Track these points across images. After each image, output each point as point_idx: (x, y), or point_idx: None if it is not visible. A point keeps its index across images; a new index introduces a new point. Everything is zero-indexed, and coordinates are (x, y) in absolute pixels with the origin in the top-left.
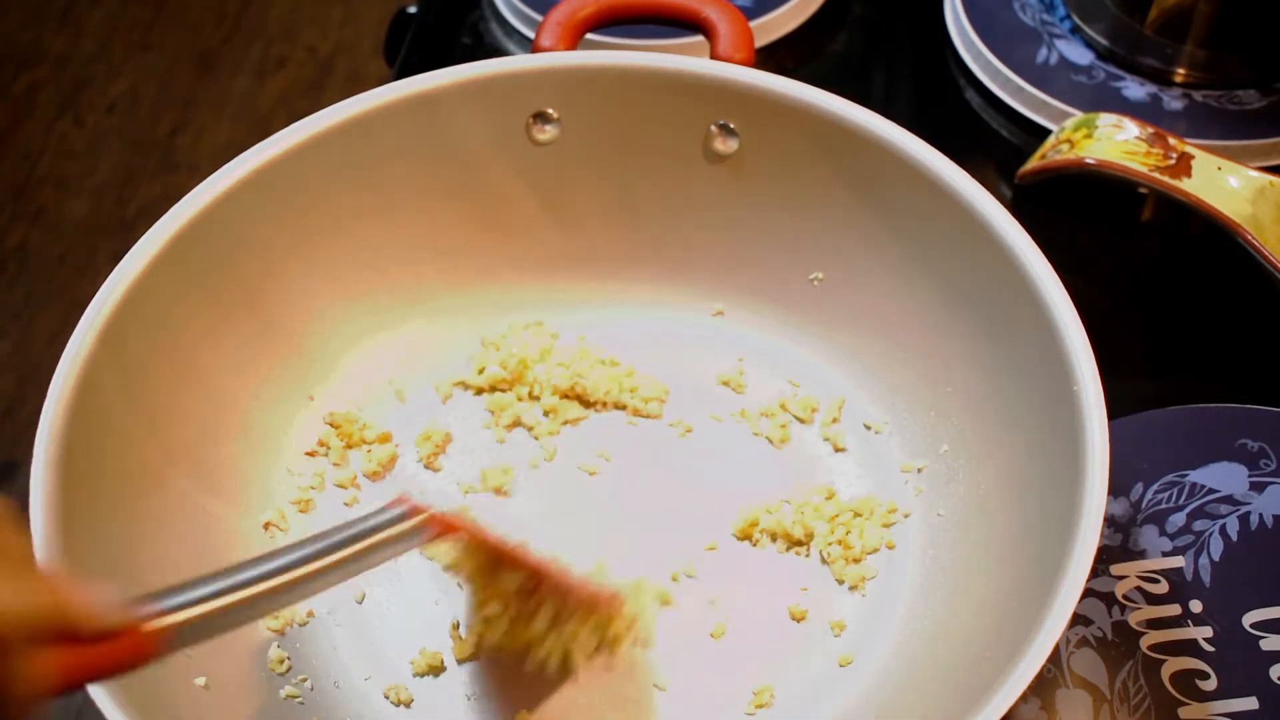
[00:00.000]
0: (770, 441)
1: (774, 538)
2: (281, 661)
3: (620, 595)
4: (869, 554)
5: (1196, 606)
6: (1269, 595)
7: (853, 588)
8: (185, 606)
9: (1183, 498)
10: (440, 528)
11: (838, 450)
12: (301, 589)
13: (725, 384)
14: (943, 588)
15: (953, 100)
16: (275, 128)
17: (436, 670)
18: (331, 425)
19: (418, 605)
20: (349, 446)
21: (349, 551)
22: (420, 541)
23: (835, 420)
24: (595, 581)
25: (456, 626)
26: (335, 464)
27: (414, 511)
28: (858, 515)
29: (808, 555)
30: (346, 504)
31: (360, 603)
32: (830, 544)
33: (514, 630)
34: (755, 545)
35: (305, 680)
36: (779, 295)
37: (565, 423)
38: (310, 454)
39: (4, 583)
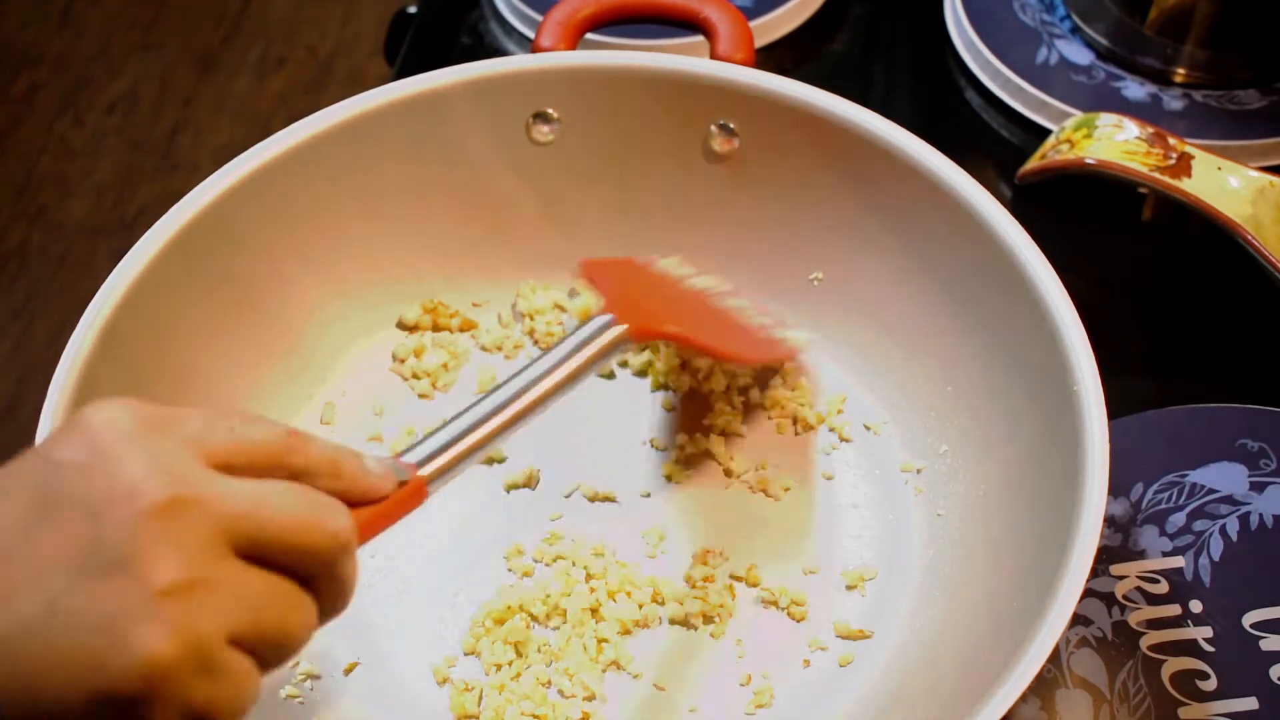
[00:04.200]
0: (769, 442)
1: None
2: (294, 665)
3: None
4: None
5: (1196, 606)
6: (1269, 595)
7: (851, 587)
8: (438, 453)
9: (1183, 498)
10: (641, 334)
11: (837, 450)
12: (528, 414)
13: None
14: (943, 588)
15: (953, 100)
16: (275, 128)
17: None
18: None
19: (422, 612)
20: None
21: (565, 372)
22: (626, 348)
23: (835, 420)
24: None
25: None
26: None
27: (615, 321)
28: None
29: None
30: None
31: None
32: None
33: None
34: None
35: (306, 680)
36: (779, 295)
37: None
38: None
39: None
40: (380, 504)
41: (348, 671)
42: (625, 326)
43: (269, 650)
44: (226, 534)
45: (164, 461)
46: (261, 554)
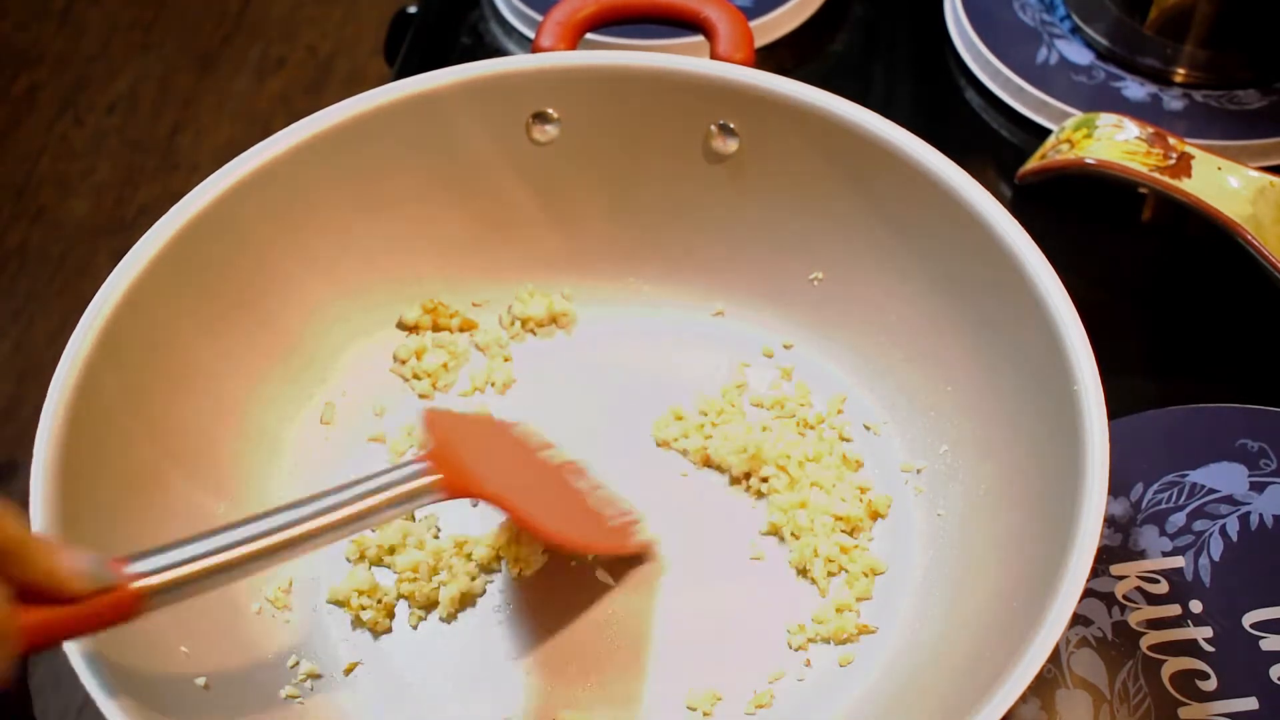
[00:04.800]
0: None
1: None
2: (295, 665)
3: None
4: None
5: (1196, 606)
6: (1269, 595)
7: (848, 585)
8: (168, 567)
9: (1183, 498)
10: (455, 489)
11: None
12: (290, 550)
13: (725, 384)
14: (943, 588)
15: (953, 100)
16: (275, 128)
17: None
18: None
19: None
20: None
21: (351, 510)
22: (430, 500)
23: (835, 419)
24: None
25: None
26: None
27: (429, 470)
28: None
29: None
30: None
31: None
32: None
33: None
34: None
35: (306, 680)
36: (779, 295)
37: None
38: None
39: None
40: (72, 605)
41: (348, 671)
42: (437, 477)
43: None
44: None
45: None
46: None
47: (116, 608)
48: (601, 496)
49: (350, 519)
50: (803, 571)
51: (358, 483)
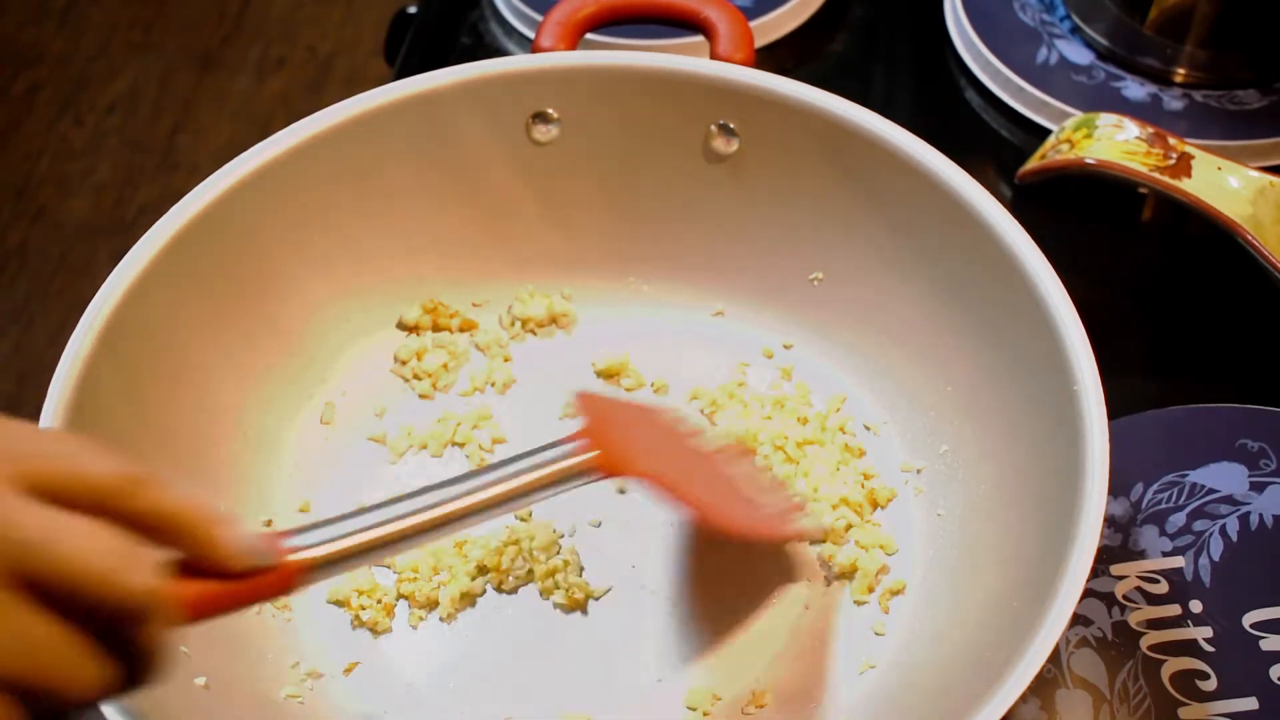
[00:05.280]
0: (769, 442)
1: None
2: (295, 665)
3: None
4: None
5: (1196, 606)
6: (1269, 595)
7: (850, 587)
8: (325, 543)
9: (1183, 498)
10: (613, 468)
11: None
12: (442, 528)
13: (725, 384)
14: (943, 588)
15: (953, 100)
16: (275, 128)
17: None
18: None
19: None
20: None
21: (506, 488)
22: (587, 480)
23: (835, 419)
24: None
25: None
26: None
27: (585, 448)
28: (855, 512)
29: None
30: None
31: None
32: (833, 548)
33: None
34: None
35: (306, 680)
36: (779, 295)
37: (564, 417)
38: None
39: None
40: (230, 581)
41: (348, 672)
42: (595, 454)
43: (37, 700)
44: (11, 564)
45: None
46: (51, 595)
47: (275, 583)
48: (759, 482)
49: (504, 497)
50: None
51: (514, 460)
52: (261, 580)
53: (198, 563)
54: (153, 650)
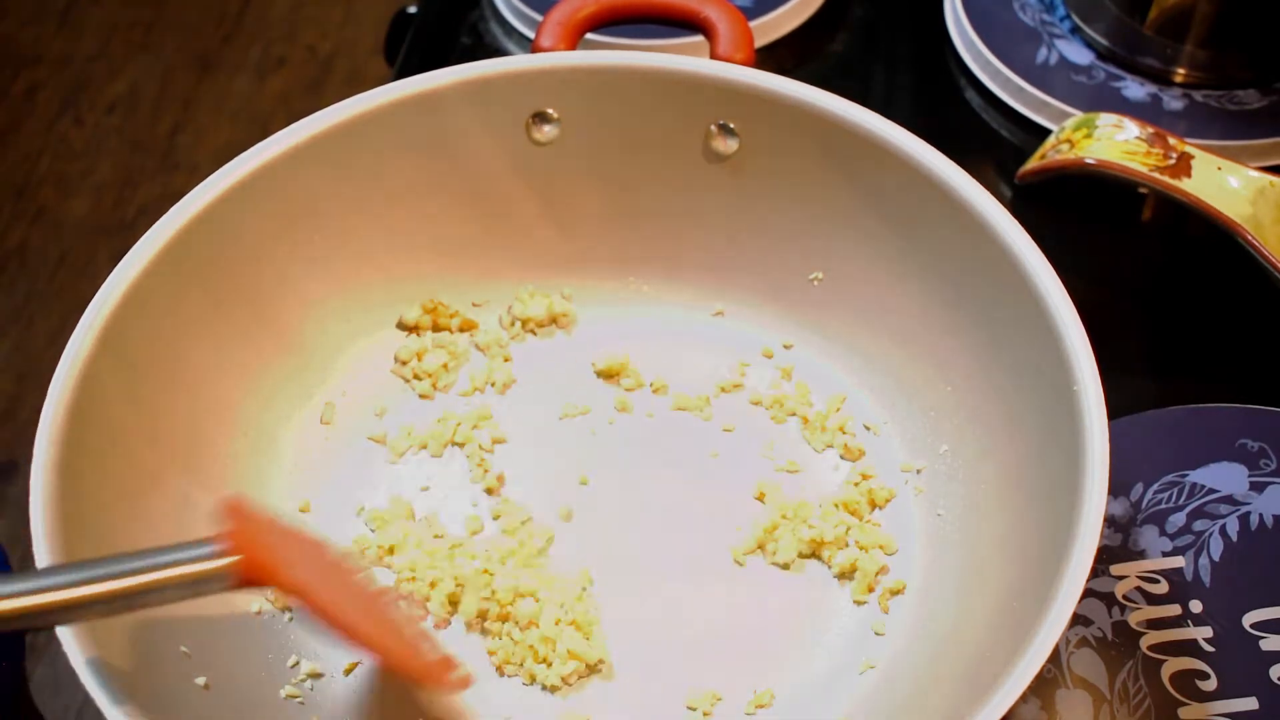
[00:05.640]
0: (769, 442)
1: (775, 543)
2: (295, 665)
3: (451, 663)
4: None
5: (1196, 606)
6: (1269, 595)
7: (850, 587)
8: None
9: (1183, 498)
10: (249, 576)
11: (831, 448)
12: (43, 619)
13: (725, 384)
14: (943, 588)
15: (953, 100)
16: (275, 128)
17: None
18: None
19: None
20: None
21: (115, 586)
22: (217, 588)
23: (835, 419)
24: (421, 653)
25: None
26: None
27: (225, 552)
28: (853, 514)
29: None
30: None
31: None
32: (832, 548)
33: None
34: (759, 548)
35: (306, 680)
36: (779, 295)
37: (564, 417)
38: None
39: None
40: None
41: (348, 672)
42: (234, 559)
43: None
44: None
45: None
46: None
47: None
48: (418, 629)
49: (119, 594)
50: (814, 551)
51: (141, 554)
52: None
53: None
54: None
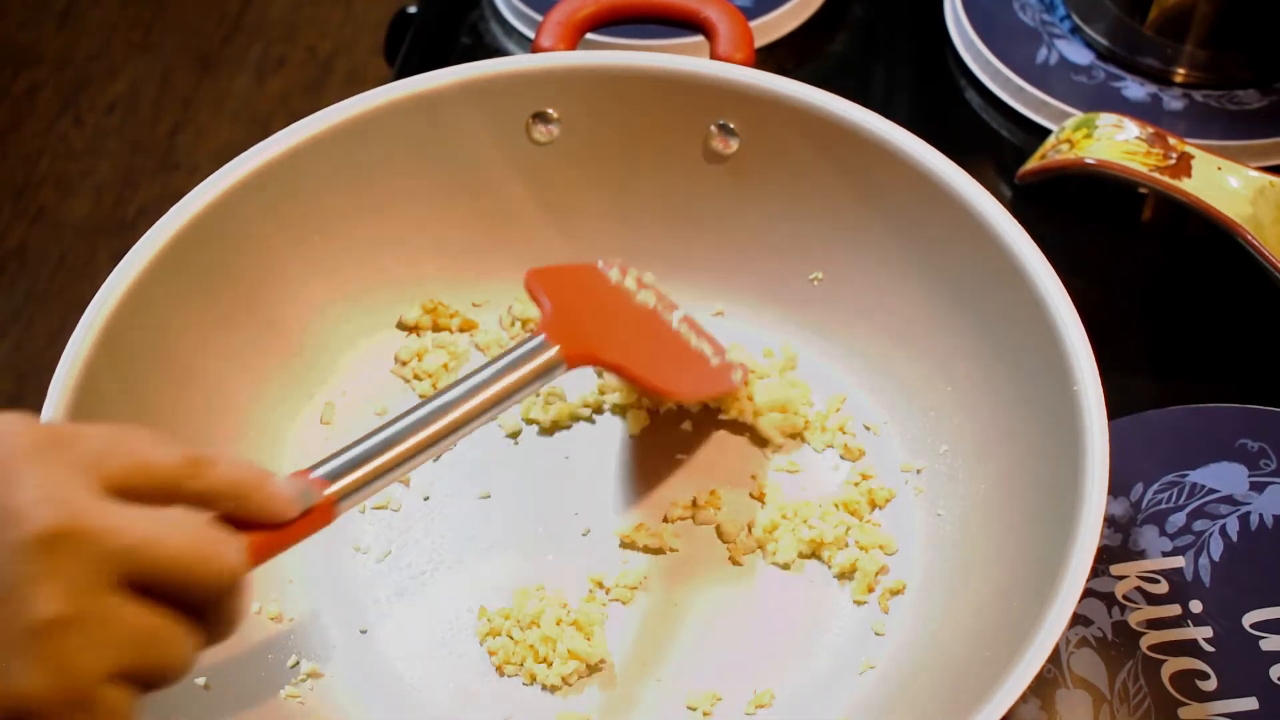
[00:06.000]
0: (769, 442)
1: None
2: (295, 665)
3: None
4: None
5: (1196, 606)
6: (1269, 595)
7: (850, 587)
8: (347, 471)
9: (1183, 498)
10: (576, 359)
11: (832, 448)
12: (447, 435)
13: None
14: (942, 588)
15: (953, 100)
16: (275, 128)
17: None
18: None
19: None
20: None
21: (489, 394)
22: (560, 372)
23: (835, 419)
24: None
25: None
26: None
27: (547, 344)
28: (853, 514)
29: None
30: None
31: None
32: (832, 548)
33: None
34: (759, 548)
35: (306, 680)
36: (779, 295)
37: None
38: None
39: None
40: (283, 526)
41: (347, 672)
42: (557, 348)
43: (149, 682)
44: (114, 568)
45: (55, 487)
46: (149, 587)
47: (316, 520)
48: (698, 336)
49: (492, 401)
50: (814, 551)
51: (488, 366)
52: (306, 518)
53: (255, 518)
54: (234, 614)
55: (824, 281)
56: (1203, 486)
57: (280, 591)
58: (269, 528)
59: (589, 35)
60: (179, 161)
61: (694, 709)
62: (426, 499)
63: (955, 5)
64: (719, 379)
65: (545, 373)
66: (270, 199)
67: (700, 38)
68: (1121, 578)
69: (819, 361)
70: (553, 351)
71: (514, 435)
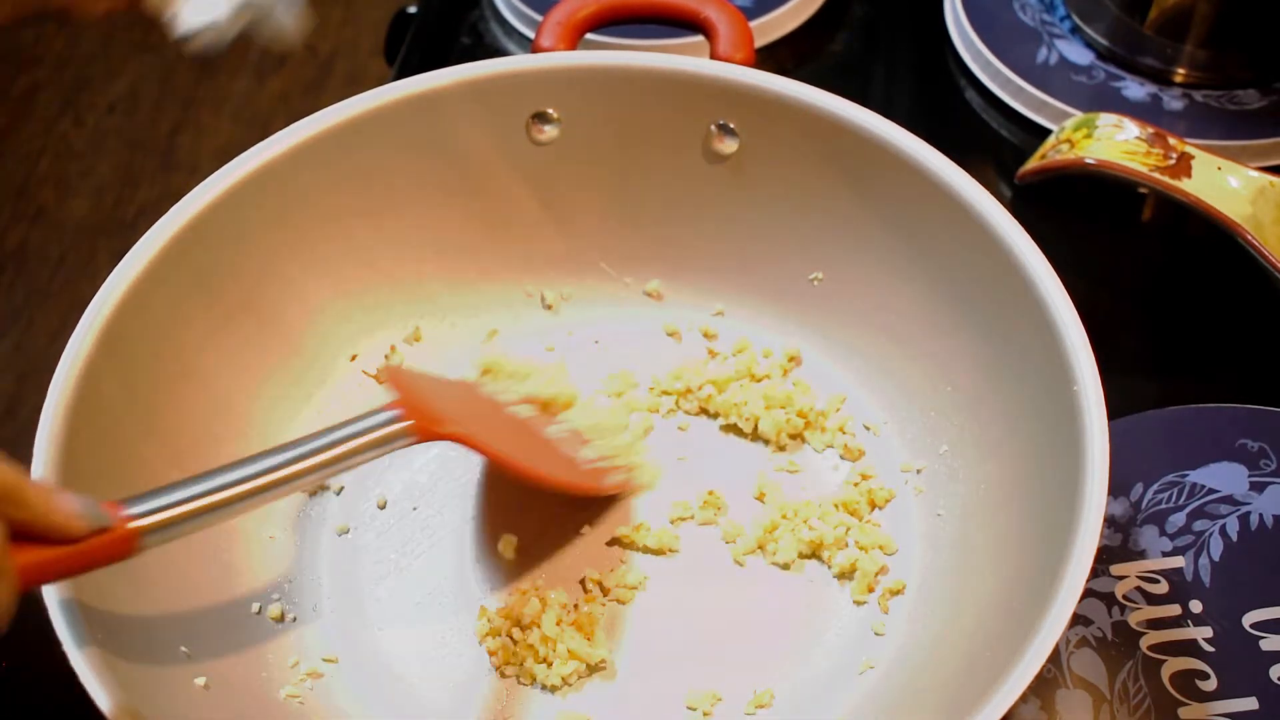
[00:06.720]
0: (769, 442)
1: (775, 543)
2: (295, 665)
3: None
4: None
5: (1196, 606)
6: (1269, 595)
7: (850, 587)
8: (160, 509)
9: (1183, 498)
10: (427, 433)
11: (832, 448)
12: (276, 488)
13: (724, 383)
14: (942, 588)
15: (953, 100)
16: (275, 128)
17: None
18: None
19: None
20: None
21: (328, 455)
22: (403, 444)
23: (835, 419)
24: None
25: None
26: None
27: (400, 417)
28: (853, 514)
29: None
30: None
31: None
32: (832, 548)
33: None
34: (759, 548)
35: (306, 680)
36: (779, 295)
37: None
38: None
39: None
40: (70, 546)
41: (347, 671)
42: (409, 422)
43: None
44: None
45: None
46: None
47: (110, 548)
48: (573, 442)
49: (328, 463)
50: (814, 551)
51: (334, 429)
52: (97, 545)
53: (32, 530)
54: None
55: (824, 281)
56: (1203, 486)
57: (280, 592)
58: (53, 545)
59: (589, 35)
60: (179, 161)
61: (694, 709)
62: (426, 499)
63: (955, 5)
64: (588, 477)
65: (390, 441)
66: (270, 199)
67: (700, 38)
68: (1121, 578)
69: (819, 361)
70: (403, 424)
71: None
